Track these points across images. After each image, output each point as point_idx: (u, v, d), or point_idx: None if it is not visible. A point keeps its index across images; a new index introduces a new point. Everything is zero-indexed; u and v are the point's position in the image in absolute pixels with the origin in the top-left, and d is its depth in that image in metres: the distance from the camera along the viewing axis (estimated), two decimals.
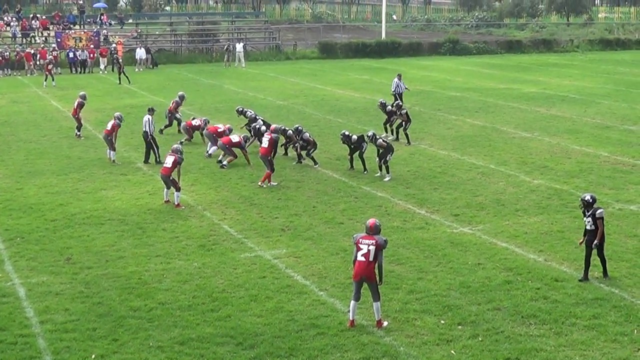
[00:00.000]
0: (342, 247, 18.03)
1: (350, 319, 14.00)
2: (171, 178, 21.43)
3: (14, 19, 62.55)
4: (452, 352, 13.04)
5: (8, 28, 61.01)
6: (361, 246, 13.81)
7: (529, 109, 37.58)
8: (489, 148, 28.63)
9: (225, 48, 60.74)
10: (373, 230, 13.95)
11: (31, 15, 64.73)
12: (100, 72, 55.12)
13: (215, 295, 15.38)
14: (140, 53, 56.89)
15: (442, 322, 14.15)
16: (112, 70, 55.14)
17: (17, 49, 56.10)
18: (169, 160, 21.59)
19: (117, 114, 27.22)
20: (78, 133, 31.03)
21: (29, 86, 47.22)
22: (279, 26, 77.53)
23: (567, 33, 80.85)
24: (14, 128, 33.30)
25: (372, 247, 13.71)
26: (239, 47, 59.66)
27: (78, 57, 55.41)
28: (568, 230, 19.16)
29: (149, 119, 26.41)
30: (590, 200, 15.89)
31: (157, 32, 69.17)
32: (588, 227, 15.88)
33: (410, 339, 13.50)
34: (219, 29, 70.44)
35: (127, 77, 48.44)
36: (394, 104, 30.47)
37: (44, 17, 65.71)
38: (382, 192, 22.68)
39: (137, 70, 55.80)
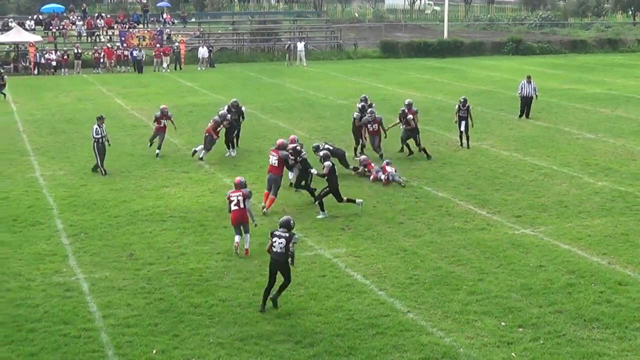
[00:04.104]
0: (402, 247, 17.97)
1: (236, 242, 17.56)
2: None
3: (79, 17, 63.59)
4: (513, 354, 12.91)
5: (74, 27, 62.08)
6: (232, 198, 17.40)
7: (593, 109, 37.02)
8: (552, 149, 28.26)
9: (286, 47, 60.99)
10: (239, 186, 17.55)
11: (96, 14, 65.76)
12: (163, 70, 55.75)
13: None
14: (203, 52, 57.42)
15: (503, 324, 14.02)
16: (175, 68, 55.82)
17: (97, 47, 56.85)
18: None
19: (221, 112, 26.93)
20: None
21: (93, 84, 47.97)
22: (340, 25, 77.62)
23: (634, 32, 79.43)
24: (79, 125, 33.84)
25: (240, 198, 17.32)
26: (300, 46, 59.82)
27: (142, 56, 55.98)
28: (633, 233, 18.84)
29: (96, 128, 25.08)
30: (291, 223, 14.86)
31: (219, 31, 69.80)
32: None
33: (470, 340, 13.40)
34: (281, 28, 70.79)
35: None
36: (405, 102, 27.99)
37: (108, 15, 66.68)
38: (443, 193, 22.53)
39: (199, 69, 56.40)
